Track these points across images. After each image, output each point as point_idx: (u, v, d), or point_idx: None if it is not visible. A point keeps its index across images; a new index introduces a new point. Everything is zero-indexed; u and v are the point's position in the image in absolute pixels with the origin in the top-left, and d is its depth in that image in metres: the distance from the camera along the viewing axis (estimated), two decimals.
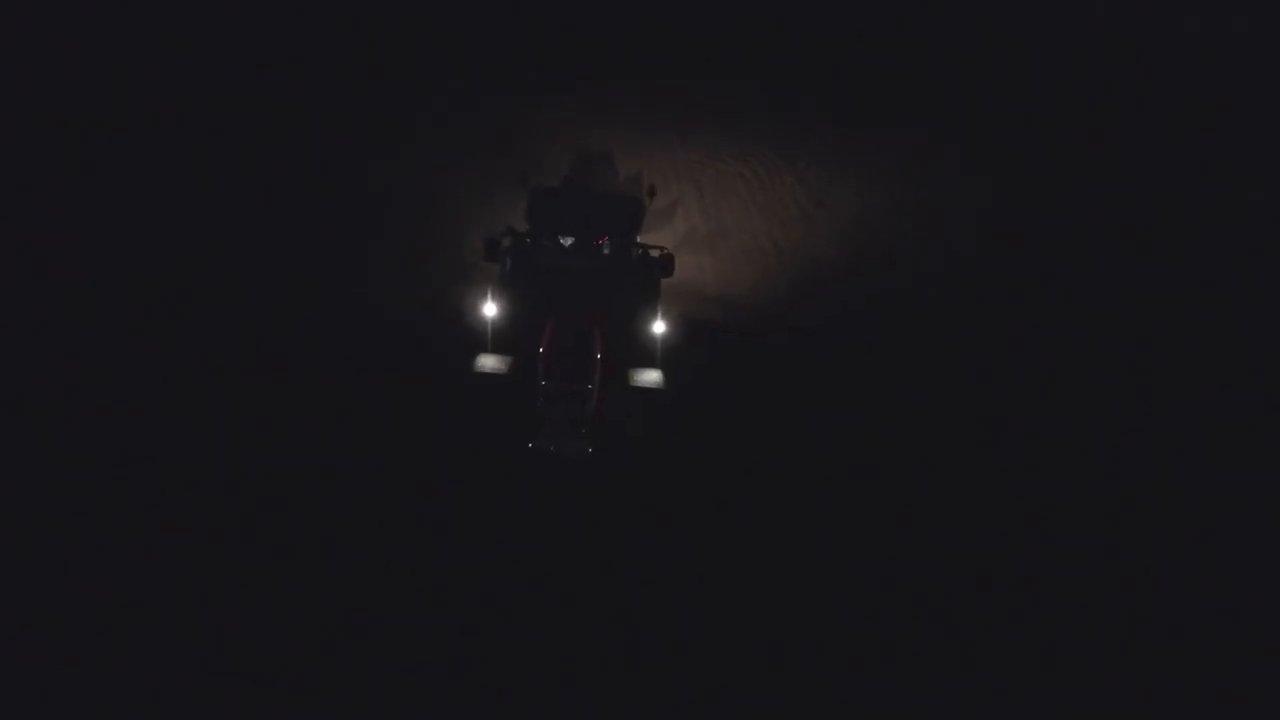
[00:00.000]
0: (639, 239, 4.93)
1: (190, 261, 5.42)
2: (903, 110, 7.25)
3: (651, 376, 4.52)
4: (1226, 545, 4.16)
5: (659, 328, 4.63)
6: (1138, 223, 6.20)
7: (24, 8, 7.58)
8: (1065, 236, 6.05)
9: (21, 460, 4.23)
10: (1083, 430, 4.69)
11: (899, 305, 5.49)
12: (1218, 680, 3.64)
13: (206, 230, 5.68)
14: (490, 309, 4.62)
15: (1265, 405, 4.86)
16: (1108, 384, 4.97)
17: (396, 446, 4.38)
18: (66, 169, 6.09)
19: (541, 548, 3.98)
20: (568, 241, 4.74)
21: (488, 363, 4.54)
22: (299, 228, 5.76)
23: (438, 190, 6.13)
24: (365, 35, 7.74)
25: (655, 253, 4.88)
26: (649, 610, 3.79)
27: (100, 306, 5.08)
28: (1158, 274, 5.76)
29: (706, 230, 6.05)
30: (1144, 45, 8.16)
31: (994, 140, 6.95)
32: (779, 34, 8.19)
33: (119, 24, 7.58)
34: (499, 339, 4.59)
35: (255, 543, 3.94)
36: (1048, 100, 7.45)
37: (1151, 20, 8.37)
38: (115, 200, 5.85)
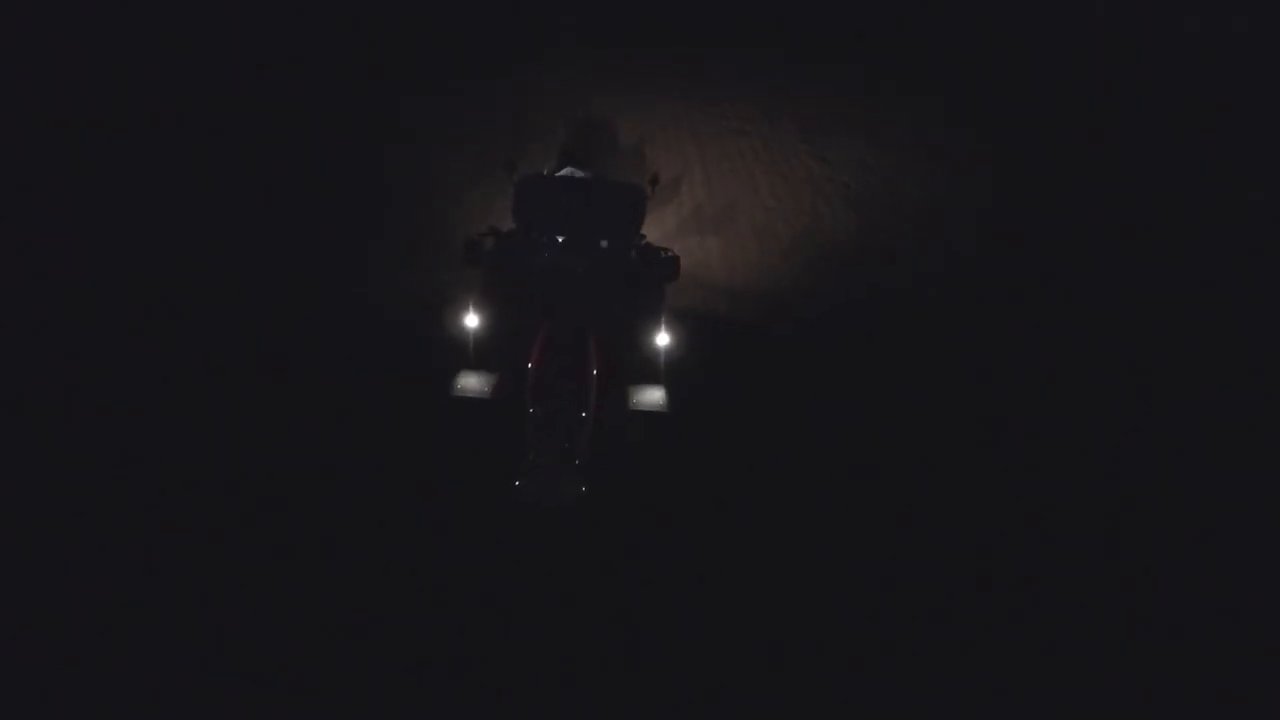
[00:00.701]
0: (641, 232, 4.51)
1: (190, 261, 5.42)
2: (902, 112, 7.25)
3: (654, 396, 4.07)
4: (1226, 545, 4.16)
5: (663, 339, 4.22)
6: (1138, 223, 6.20)
7: (24, 8, 7.58)
8: (1065, 236, 6.05)
9: (21, 460, 4.23)
10: (1083, 430, 4.69)
11: (899, 305, 5.49)
12: (1218, 680, 3.64)
13: (206, 230, 5.68)
14: (472, 320, 4.20)
15: (1265, 405, 4.87)
16: (1108, 384, 4.98)
17: (396, 446, 4.38)
18: (66, 169, 6.10)
19: (541, 548, 3.97)
20: (559, 239, 4.25)
21: (470, 383, 4.09)
22: (299, 228, 5.77)
23: (438, 189, 6.13)
24: (365, 35, 7.74)
25: (661, 253, 4.41)
26: (649, 610, 3.79)
27: (100, 306, 5.08)
28: (1158, 274, 5.76)
29: (713, 210, 6.01)
30: (1144, 45, 8.17)
31: (994, 140, 6.96)
32: (779, 34, 8.19)
33: (119, 24, 7.58)
34: (483, 353, 4.22)
35: (255, 543, 3.94)
36: (1048, 100, 7.46)
37: (1151, 20, 8.38)
38: (115, 200, 5.86)
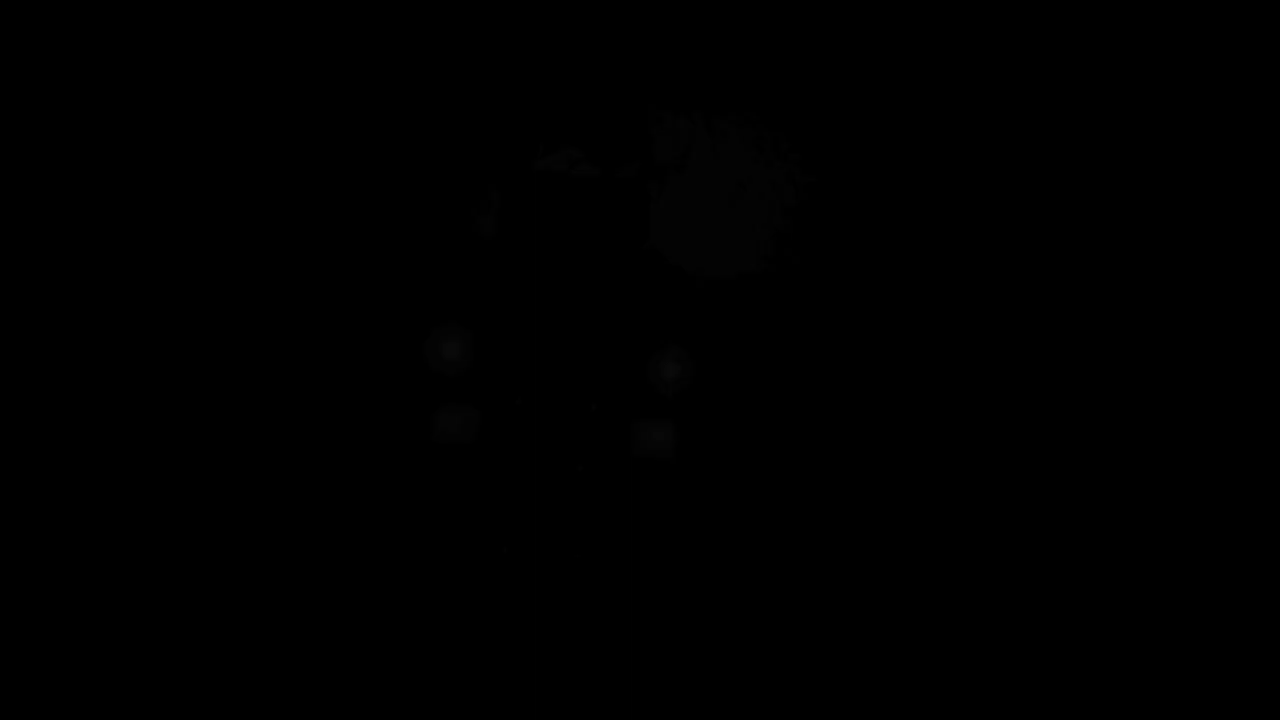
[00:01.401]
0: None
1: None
2: (902, 111, 7.26)
3: (658, 437, 3.63)
4: (1226, 545, 4.16)
5: (671, 365, 3.83)
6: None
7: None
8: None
9: (21, 460, 4.24)
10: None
11: (899, 304, 5.50)
12: (1217, 680, 3.64)
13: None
14: (455, 344, 3.71)
15: (1265, 405, 4.87)
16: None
17: (396, 446, 4.37)
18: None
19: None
20: (552, 246, 3.96)
21: (450, 425, 3.59)
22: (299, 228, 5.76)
23: (438, 188, 6.14)
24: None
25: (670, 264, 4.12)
26: (649, 611, 3.79)
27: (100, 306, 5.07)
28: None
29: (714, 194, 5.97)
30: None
31: (994, 141, 6.97)
32: (776, 34, 8.21)
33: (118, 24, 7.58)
34: (464, 387, 3.74)
35: (255, 543, 3.94)
36: (1048, 100, 7.47)
37: None
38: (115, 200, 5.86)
